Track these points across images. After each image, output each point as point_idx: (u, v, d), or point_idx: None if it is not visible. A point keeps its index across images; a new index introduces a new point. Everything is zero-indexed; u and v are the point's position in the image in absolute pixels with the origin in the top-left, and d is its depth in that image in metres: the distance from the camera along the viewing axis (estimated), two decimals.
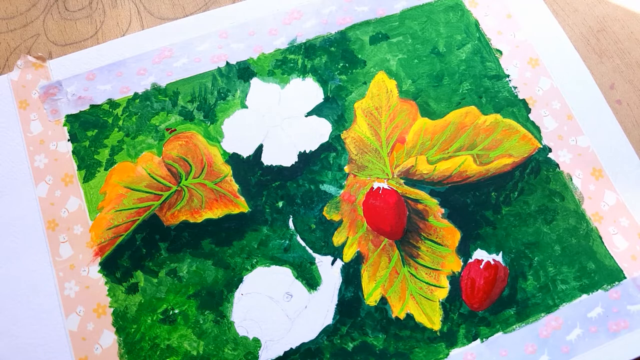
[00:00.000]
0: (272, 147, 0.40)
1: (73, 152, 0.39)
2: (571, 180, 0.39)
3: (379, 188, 0.38)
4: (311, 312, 0.35)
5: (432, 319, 0.35)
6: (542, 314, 0.36)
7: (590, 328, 0.35)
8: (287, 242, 0.37)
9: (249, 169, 0.39)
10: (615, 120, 0.41)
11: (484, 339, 0.35)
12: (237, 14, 0.44)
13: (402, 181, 0.39)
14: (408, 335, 0.35)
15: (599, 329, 0.35)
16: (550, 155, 0.40)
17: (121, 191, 0.38)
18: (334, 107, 0.41)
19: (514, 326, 0.35)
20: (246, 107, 0.41)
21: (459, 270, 0.36)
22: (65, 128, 0.40)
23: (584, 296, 0.36)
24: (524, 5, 0.45)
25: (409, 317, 0.35)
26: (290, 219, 0.38)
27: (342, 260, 0.37)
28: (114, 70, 0.41)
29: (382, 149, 0.40)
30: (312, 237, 0.37)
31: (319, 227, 0.38)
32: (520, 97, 0.42)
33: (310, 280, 0.36)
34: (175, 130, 0.40)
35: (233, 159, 0.39)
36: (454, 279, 0.36)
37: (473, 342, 0.35)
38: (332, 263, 0.37)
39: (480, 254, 0.37)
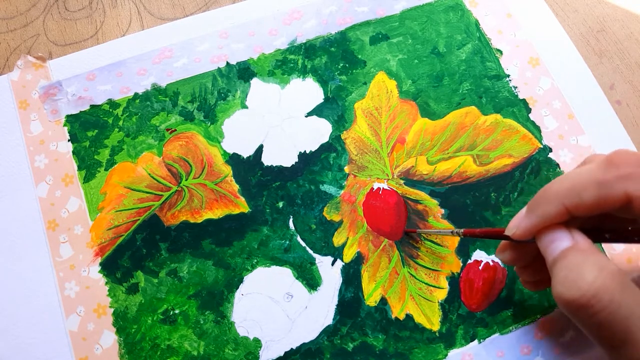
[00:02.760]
0: (272, 148, 0.40)
1: (73, 153, 0.39)
2: None
3: (379, 188, 0.38)
4: (311, 312, 0.36)
5: (431, 319, 0.35)
6: (538, 316, 0.36)
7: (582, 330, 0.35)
8: (288, 242, 0.37)
9: (249, 169, 0.39)
10: (617, 119, 0.41)
11: (481, 340, 0.35)
12: (237, 14, 0.44)
13: (402, 182, 0.39)
14: (407, 336, 0.35)
15: None
16: (550, 155, 0.40)
17: (121, 191, 0.38)
18: (334, 108, 0.41)
19: (511, 327, 0.35)
20: (246, 108, 0.41)
21: (458, 271, 0.37)
22: (66, 128, 0.40)
23: None
24: (525, 4, 0.45)
25: (409, 317, 0.35)
26: (291, 220, 0.38)
27: (342, 260, 0.37)
28: (114, 71, 0.41)
29: (382, 150, 0.40)
30: (313, 237, 0.37)
31: (319, 228, 0.38)
32: (521, 97, 0.42)
33: (311, 281, 0.36)
34: (175, 130, 0.40)
35: (233, 159, 0.39)
36: (453, 280, 0.36)
37: (471, 343, 0.35)
38: (333, 263, 0.37)
39: (479, 255, 0.37)
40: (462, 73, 0.42)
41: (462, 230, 0.33)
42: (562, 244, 0.26)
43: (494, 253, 0.37)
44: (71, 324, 0.35)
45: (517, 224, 0.28)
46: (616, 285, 0.23)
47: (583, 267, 0.24)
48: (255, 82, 0.42)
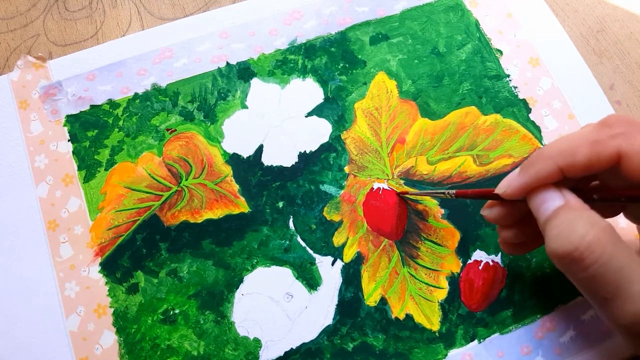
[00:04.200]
0: (272, 148, 0.40)
1: (73, 153, 0.39)
2: None
3: (379, 189, 0.38)
4: (311, 312, 0.36)
5: (431, 319, 0.35)
6: (538, 316, 0.36)
7: (583, 330, 0.35)
8: (288, 242, 0.37)
9: (249, 169, 0.39)
10: None
11: (481, 340, 0.35)
12: (237, 14, 0.44)
13: (402, 182, 0.39)
14: (407, 336, 0.35)
15: (591, 331, 0.35)
16: None
17: (121, 191, 0.38)
18: (334, 108, 0.41)
19: (511, 327, 0.35)
20: (246, 108, 0.41)
21: (458, 271, 0.37)
22: (66, 128, 0.40)
23: (580, 298, 0.36)
24: (525, 4, 0.45)
25: (409, 317, 0.35)
26: (291, 220, 0.38)
27: (342, 260, 0.37)
28: (114, 71, 0.41)
29: (382, 150, 0.40)
30: (313, 237, 0.37)
31: (319, 228, 0.38)
32: (521, 97, 0.42)
33: (311, 281, 0.36)
34: (175, 130, 0.40)
35: (233, 159, 0.39)
36: (453, 280, 0.36)
37: (471, 343, 0.35)
38: (332, 263, 0.37)
39: (479, 255, 0.37)
40: (462, 73, 0.42)
41: (454, 191, 0.33)
42: (554, 203, 0.26)
43: (483, 210, 0.34)
44: (71, 324, 0.35)
45: (509, 183, 0.28)
46: (608, 239, 0.24)
47: (575, 223, 0.25)
48: (255, 82, 0.42)
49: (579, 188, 0.27)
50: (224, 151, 0.39)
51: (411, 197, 0.38)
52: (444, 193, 0.34)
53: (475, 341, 0.35)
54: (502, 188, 0.28)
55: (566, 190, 0.27)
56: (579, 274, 0.25)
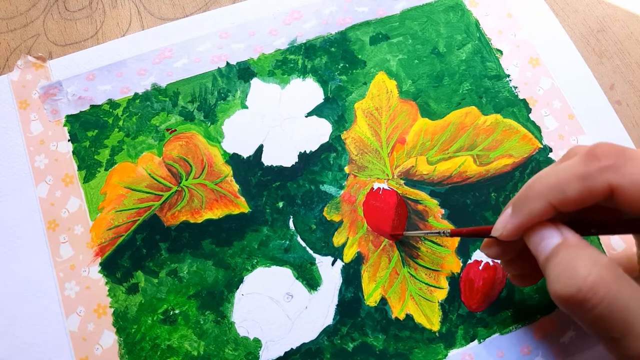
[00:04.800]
0: (273, 148, 0.40)
1: (73, 153, 0.39)
2: None
3: (379, 189, 0.38)
4: (311, 312, 0.36)
5: (431, 319, 0.35)
6: (538, 316, 0.36)
7: (583, 330, 0.35)
8: (288, 242, 0.37)
9: (249, 169, 0.39)
10: (617, 119, 0.41)
11: (481, 340, 0.35)
12: (237, 14, 0.44)
13: (402, 182, 0.39)
14: (407, 336, 0.35)
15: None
16: (551, 155, 0.40)
17: (121, 191, 0.38)
18: (334, 108, 0.41)
19: (511, 327, 0.35)
20: (246, 108, 0.41)
21: (459, 271, 0.37)
22: (66, 128, 0.40)
23: None
24: (525, 4, 0.45)
25: (409, 317, 0.35)
26: (291, 220, 0.38)
27: (342, 260, 0.37)
28: (114, 71, 0.41)
29: (383, 150, 0.40)
30: (313, 237, 0.37)
31: (320, 228, 0.38)
32: (521, 97, 0.42)
33: (311, 281, 0.36)
34: (175, 130, 0.40)
35: (233, 159, 0.39)
36: (453, 280, 0.36)
37: (471, 343, 0.35)
38: (333, 264, 0.37)
39: (479, 255, 0.37)
40: (462, 73, 0.42)
41: (449, 230, 0.33)
42: (551, 241, 0.25)
43: (482, 249, 0.35)
44: (71, 324, 0.35)
45: (504, 224, 0.27)
46: (611, 276, 0.23)
47: (576, 262, 0.24)
48: (255, 82, 0.42)
49: (576, 221, 0.27)
50: (224, 151, 0.39)
51: (407, 236, 0.37)
52: (439, 232, 0.33)
53: (476, 341, 0.35)
54: (497, 230, 0.28)
55: (563, 227, 0.26)
56: (585, 315, 0.24)
